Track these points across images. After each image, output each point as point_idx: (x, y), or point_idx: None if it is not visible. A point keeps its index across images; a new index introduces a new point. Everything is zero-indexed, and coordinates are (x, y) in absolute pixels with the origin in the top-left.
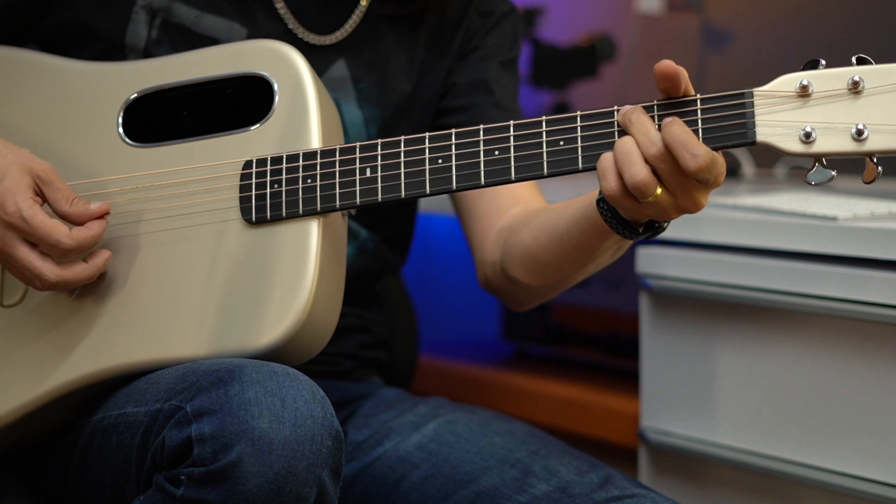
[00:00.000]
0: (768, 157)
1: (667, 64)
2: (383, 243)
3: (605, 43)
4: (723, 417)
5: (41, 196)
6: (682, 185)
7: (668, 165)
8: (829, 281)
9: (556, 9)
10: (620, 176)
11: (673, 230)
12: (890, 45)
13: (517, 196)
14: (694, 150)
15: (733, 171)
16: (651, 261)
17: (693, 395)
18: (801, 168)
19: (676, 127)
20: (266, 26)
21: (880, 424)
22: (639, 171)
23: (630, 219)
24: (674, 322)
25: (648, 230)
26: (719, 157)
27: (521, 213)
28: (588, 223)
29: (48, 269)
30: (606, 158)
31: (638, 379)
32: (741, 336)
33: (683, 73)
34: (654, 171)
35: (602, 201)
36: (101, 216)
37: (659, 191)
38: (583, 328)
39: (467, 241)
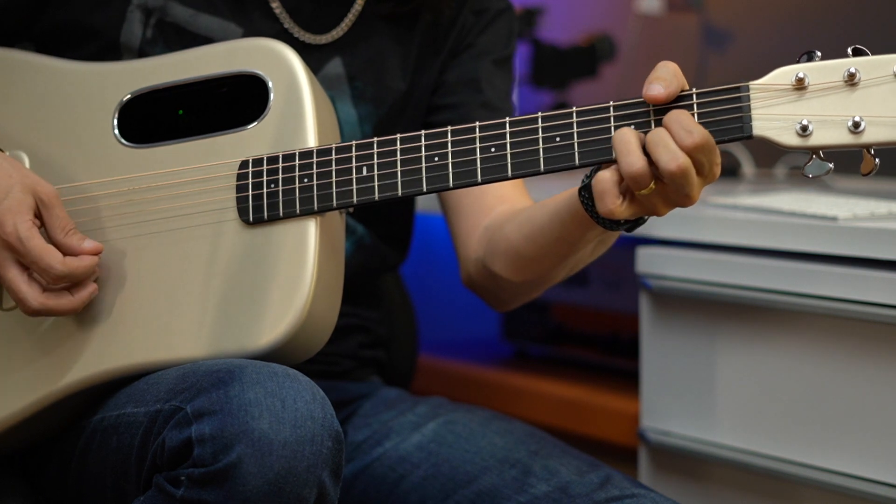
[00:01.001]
0: (768, 156)
1: (655, 92)
2: (380, 240)
3: (605, 43)
4: (723, 417)
5: (40, 219)
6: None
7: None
8: (829, 281)
9: (556, 9)
10: (619, 195)
11: (673, 230)
12: (891, 46)
13: (503, 195)
14: (689, 126)
15: (733, 171)
16: (651, 261)
17: (693, 395)
18: (801, 168)
19: (674, 110)
20: (262, 26)
21: (880, 424)
22: (636, 161)
23: None
24: (674, 322)
25: (629, 221)
26: (715, 144)
27: (506, 211)
28: (570, 213)
29: (32, 295)
30: (604, 180)
31: (638, 379)
32: (741, 336)
33: (678, 74)
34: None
35: (584, 189)
36: (94, 254)
37: (653, 185)
38: (583, 328)
39: (452, 239)
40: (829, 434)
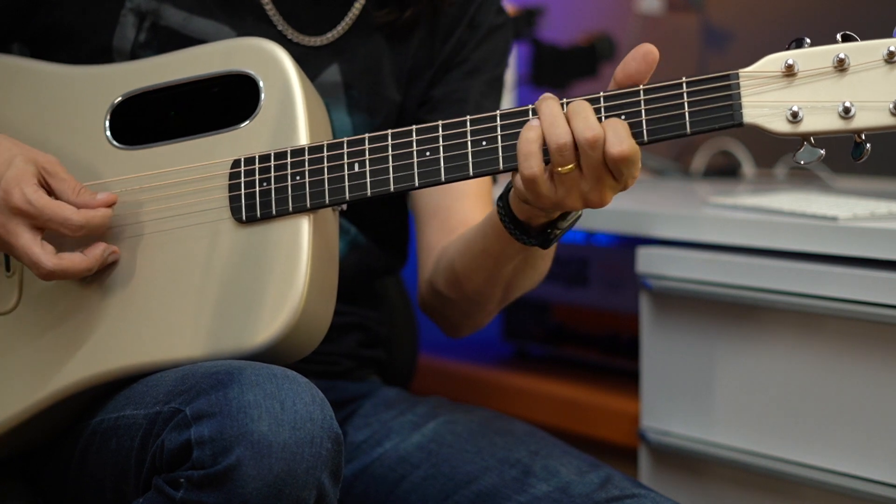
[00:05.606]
0: (768, 157)
1: (648, 48)
2: (374, 242)
3: (605, 43)
4: (723, 417)
5: (46, 187)
6: (595, 170)
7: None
8: (829, 281)
9: (556, 9)
10: (542, 159)
11: (673, 230)
12: None
13: (468, 221)
14: (622, 137)
15: (733, 171)
16: (651, 261)
17: (693, 395)
18: (801, 168)
19: (612, 119)
20: (255, 29)
21: (880, 424)
22: (563, 134)
23: (524, 220)
24: (674, 322)
25: (540, 236)
26: (639, 157)
27: None
28: (491, 225)
29: (46, 257)
30: (529, 141)
31: (638, 379)
32: (741, 336)
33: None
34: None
35: (500, 198)
36: (108, 205)
37: (571, 166)
38: (583, 328)
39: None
40: (829, 434)
